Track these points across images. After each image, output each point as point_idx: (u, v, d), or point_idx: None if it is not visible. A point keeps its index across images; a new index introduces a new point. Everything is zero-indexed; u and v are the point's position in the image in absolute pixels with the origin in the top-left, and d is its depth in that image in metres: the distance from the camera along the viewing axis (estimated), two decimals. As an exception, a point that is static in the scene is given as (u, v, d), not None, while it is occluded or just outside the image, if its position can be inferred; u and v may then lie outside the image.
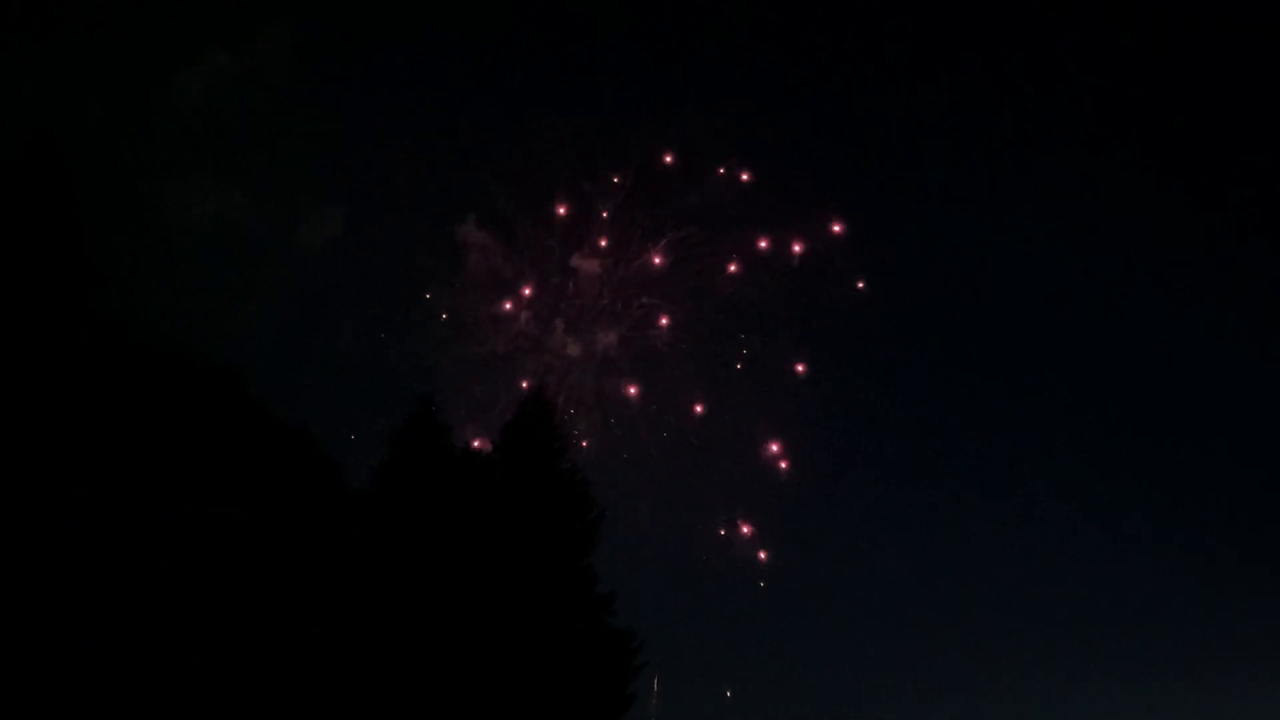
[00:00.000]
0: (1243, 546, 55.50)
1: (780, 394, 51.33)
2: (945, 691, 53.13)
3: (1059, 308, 59.80)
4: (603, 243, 50.53)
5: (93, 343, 23.89)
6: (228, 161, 49.04)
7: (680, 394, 50.81)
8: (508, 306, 50.82)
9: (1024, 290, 59.02)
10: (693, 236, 50.21)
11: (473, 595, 27.09)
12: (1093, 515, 57.63)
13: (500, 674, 26.58)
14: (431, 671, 25.82)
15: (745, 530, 50.43)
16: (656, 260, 50.55)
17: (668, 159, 50.07)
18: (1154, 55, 56.64)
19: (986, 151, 57.77)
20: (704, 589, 49.85)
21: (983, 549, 56.78)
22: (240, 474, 24.72)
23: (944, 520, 56.95)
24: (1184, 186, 57.09)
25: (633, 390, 50.87)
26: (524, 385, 47.85)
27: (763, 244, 50.51)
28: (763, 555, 50.10)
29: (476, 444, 36.11)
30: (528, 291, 50.90)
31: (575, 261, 50.57)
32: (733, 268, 50.62)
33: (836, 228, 50.38)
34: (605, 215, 50.28)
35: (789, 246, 50.44)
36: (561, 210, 50.08)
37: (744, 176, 50.39)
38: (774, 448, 50.58)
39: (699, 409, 50.71)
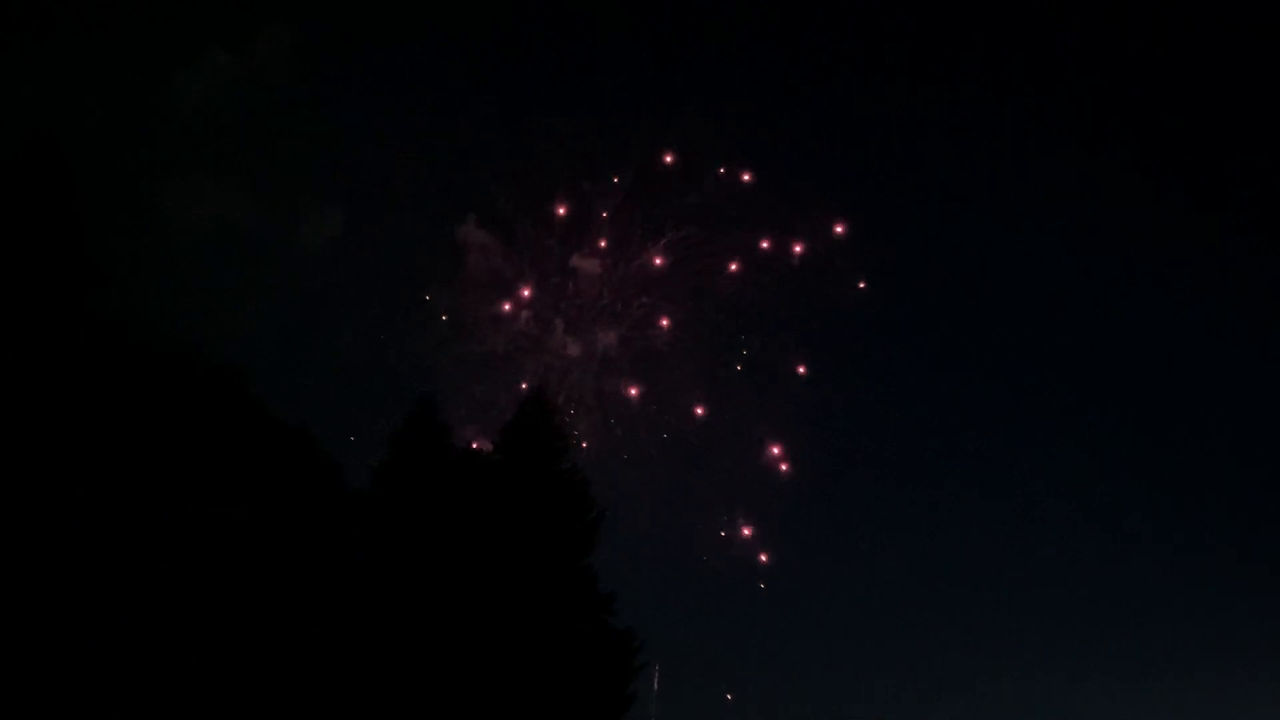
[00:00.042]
0: (1243, 546, 55.67)
1: (780, 394, 51.44)
2: (945, 691, 53.26)
3: (1059, 308, 59.94)
4: (602, 243, 50.56)
5: (93, 343, 23.89)
6: (228, 161, 49.10)
7: (680, 394, 50.87)
8: (508, 306, 50.85)
9: (1024, 290, 59.19)
10: (693, 236, 50.25)
11: (473, 595, 27.09)
12: (1093, 515, 57.82)
13: (501, 674, 26.58)
14: (432, 671, 25.82)
15: (745, 531, 50.50)
16: (656, 260, 50.58)
17: (668, 159, 50.11)
18: (1154, 55, 56.70)
19: (986, 152, 57.90)
20: (704, 589, 49.94)
21: (983, 549, 56.99)
22: (240, 474, 24.73)
23: (944, 520, 57.14)
24: (1184, 186, 57.22)
25: (633, 390, 50.91)
26: (524, 385, 47.84)
27: (763, 244, 50.59)
28: (763, 556, 50.19)
29: (476, 444, 36.18)
30: (528, 291, 50.93)
31: (575, 261, 50.60)
32: (733, 268, 50.67)
33: (837, 228, 50.41)
34: (605, 215, 50.32)
35: (789, 247, 50.48)
36: (561, 210, 50.12)
37: (744, 177, 50.44)
38: (774, 448, 50.68)
39: (699, 409, 50.79)
